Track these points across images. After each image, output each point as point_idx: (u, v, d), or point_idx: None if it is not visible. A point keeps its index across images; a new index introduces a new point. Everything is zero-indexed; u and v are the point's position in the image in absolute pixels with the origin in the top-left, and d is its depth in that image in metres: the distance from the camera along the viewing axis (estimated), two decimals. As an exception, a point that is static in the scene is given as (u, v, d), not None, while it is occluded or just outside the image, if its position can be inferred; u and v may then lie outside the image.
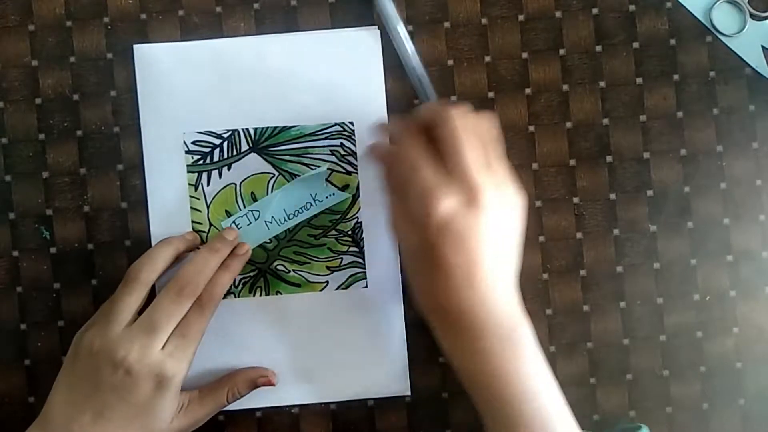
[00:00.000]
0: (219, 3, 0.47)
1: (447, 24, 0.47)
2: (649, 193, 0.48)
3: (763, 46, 0.47)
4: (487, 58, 0.47)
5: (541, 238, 0.47)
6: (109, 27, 0.47)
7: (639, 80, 0.48)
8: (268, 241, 0.46)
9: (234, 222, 0.45)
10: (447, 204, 0.36)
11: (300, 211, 0.45)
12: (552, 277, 0.47)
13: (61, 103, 0.46)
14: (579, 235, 0.47)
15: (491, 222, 0.37)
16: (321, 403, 0.47)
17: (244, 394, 0.45)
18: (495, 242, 0.38)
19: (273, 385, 0.45)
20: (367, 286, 0.46)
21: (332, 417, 0.47)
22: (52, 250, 0.46)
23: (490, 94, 0.47)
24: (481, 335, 0.37)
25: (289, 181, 0.46)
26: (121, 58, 0.46)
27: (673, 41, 0.48)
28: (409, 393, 0.47)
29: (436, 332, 0.39)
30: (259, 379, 0.45)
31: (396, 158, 0.39)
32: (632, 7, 0.47)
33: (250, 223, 0.46)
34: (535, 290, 0.47)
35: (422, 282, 0.39)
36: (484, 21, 0.47)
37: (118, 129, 0.46)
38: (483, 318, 0.37)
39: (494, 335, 0.37)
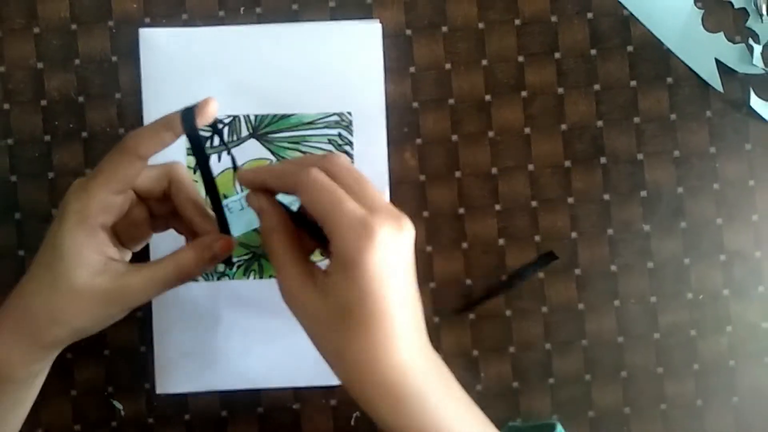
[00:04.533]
0: (222, 7, 0.48)
1: (445, 28, 0.48)
2: (643, 193, 0.48)
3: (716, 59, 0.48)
4: (484, 62, 0.48)
5: (537, 238, 0.48)
6: (114, 30, 0.47)
7: (633, 83, 0.48)
8: None
9: (227, 205, 0.45)
10: (384, 233, 0.31)
11: (292, 204, 0.46)
12: (547, 276, 0.48)
13: (66, 105, 0.47)
14: (574, 234, 0.48)
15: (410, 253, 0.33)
16: (322, 400, 0.47)
17: (196, 268, 0.37)
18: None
19: (230, 248, 0.37)
20: None
21: (333, 414, 0.47)
22: (57, 249, 0.47)
23: (487, 97, 0.48)
24: (434, 394, 0.33)
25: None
26: (125, 60, 0.47)
27: (666, 45, 0.49)
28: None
29: (378, 412, 0.33)
30: (214, 245, 0.37)
31: (313, 187, 0.33)
32: (626, 12, 0.48)
33: (243, 208, 0.46)
34: (531, 289, 0.48)
35: (356, 349, 0.32)
36: (481, 25, 0.48)
37: (123, 131, 0.47)
38: (431, 372, 0.33)
39: (439, 387, 0.33)
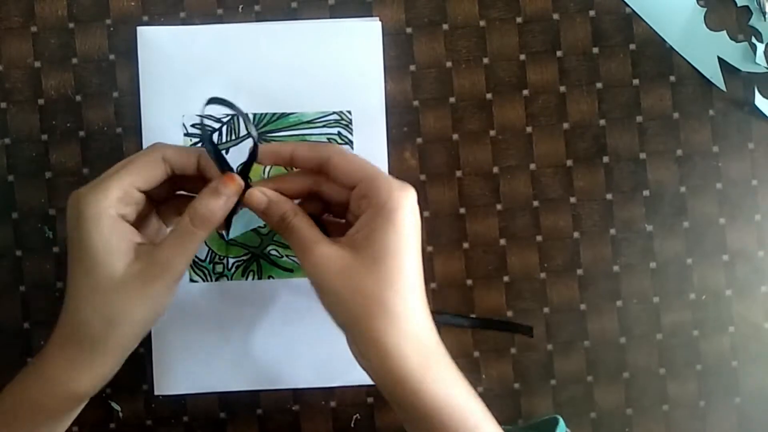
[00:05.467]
0: (220, 5, 0.47)
1: (446, 26, 0.48)
2: (646, 193, 0.48)
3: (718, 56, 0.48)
4: (486, 60, 0.48)
5: (539, 238, 0.48)
6: (111, 29, 0.47)
7: (635, 81, 0.48)
8: (262, 225, 0.47)
9: None
10: (414, 194, 0.36)
11: None
12: (549, 276, 0.48)
13: (63, 104, 0.47)
14: (576, 234, 0.48)
15: None
16: (322, 402, 0.47)
17: (209, 212, 0.37)
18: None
19: (233, 182, 0.37)
20: None
21: (333, 415, 0.47)
22: (55, 249, 0.47)
23: (488, 96, 0.48)
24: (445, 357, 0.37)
25: (286, 169, 0.46)
26: (123, 59, 0.47)
27: (669, 43, 0.48)
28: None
29: (408, 364, 0.35)
30: (219, 186, 0.36)
31: (348, 153, 0.38)
32: (629, 10, 0.48)
33: (242, 208, 0.46)
34: (532, 289, 0.48)
35: (392, 297, 0.35)
36: (482, 23, 0.48)
37: (121, 130, 0.47)
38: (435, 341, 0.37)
39: (443, 355, 0.37)
